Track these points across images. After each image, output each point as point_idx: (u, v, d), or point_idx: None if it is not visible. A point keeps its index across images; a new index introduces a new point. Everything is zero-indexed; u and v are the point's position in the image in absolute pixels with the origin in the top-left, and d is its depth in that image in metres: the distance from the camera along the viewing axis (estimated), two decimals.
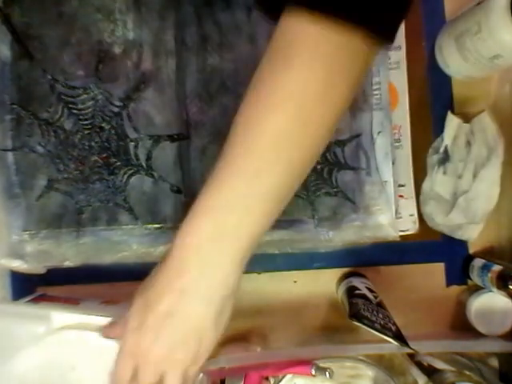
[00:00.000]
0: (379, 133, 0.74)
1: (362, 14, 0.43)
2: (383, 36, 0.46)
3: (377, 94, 0.74)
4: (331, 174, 0.73)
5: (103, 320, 0.60)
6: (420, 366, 0.77)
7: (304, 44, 0.44)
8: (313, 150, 0.49)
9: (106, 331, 0.58)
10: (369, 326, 0.65)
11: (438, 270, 0.82)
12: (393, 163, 0.74)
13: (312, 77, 0.45)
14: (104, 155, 0.70)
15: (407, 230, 0.78)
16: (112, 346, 0.54)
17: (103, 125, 0.70)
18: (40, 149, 0.70)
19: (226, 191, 0.48)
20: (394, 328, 0.66)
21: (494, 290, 0.74)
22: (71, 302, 0.67)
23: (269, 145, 0.46)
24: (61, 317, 0.61)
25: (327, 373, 0.70)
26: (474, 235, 0.79)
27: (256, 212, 0.48)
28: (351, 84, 0.47)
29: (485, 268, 0.76)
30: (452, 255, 0.82)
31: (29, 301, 0.68)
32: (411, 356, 0.78)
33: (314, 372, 0.70)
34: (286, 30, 0.46)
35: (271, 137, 0.46)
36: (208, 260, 0.48)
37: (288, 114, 0.45)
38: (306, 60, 0.44)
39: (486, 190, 0.76)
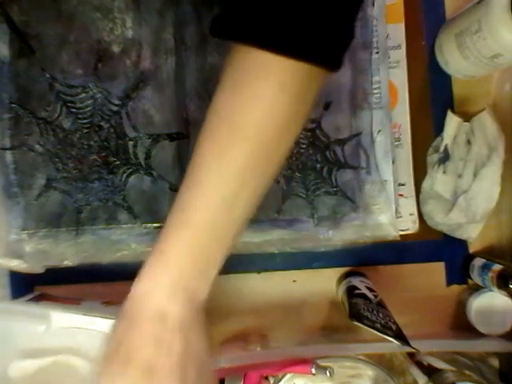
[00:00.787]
0: (379, 131, 0.74)
1: (306, 48, 0.44)
2: (329, 65, 0.46)
3: (377, 93, 0.73)
4: (331, 173, 0.73)
5: (104, 322, 0.60)
6: (420, 365, 0.77)
7: (260, 75, 0.44)
8: (272, 176, 0.49)
9: None
10: (369, 326, 0.65)
11: (438, 269, 0.81)
12: (393, 162, 0.74)
13: (275, 108, 0.45)
14: (103, 154, 0.70)
15: (407, 230, 0.78)
16: None
17: (102, 124, 0.70)
18: (39, 148, 0.70)
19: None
20: (394, 327, 0.66)
21: (495, 289, 0.74)
22: (72, 302, 0.67)
23: (232, 179, 0.46)
24: (61, 317, 0.61)
25: (328, 372, 0.69)
26: (474, 234, 0.79)
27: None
28: (308, 110, 0.48)
29: (485, 267, 0.76)
30: (452, 254, 0.82)
31: (29, 300, 0.68)
32: (411, 356, 0.78)
33: (314, 371, 0.69)
34: (241, 62, 0.45)
35: (236, 170, 0.46)
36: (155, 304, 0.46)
37: (251, 150, 0.46)
38: (265, 91, 0.45)
39: (486, 189, 0.76)
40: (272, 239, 0.71)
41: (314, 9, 0.43)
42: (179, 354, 0.44)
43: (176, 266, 0.46)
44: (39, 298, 0.69)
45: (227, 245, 0.48)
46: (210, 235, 0.47)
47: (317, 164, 0.72)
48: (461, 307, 0.81)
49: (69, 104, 0.70)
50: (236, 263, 0.78)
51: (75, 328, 0.61)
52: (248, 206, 0.48)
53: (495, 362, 0.79)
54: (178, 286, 0.46)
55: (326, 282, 0.81)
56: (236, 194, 0.46)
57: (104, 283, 0.76)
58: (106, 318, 0.61)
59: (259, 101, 0.44)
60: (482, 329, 0.78)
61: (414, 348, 0.64)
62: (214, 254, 0.48)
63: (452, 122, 0.78)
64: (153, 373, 0.43)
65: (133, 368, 0.43)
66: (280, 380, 0.73)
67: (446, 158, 0.78)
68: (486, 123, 0.77)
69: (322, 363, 0.71)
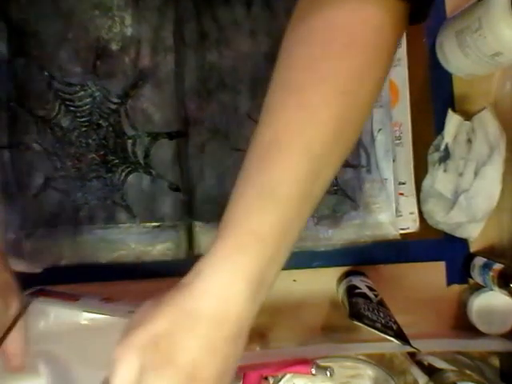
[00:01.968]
0: (380, 130, 0.74)
1: None
2: (419, 13, 0.45)
3: None
4: None
5: (103, 318, 0.59)
6: (420, 365, 0.76)
7: (346, 25, 0.42)
8: (357, 133, 0.46)
9: None
10: (370, 326, 0.65)
11: (438, 268, 0.81)
12: (393, 161, 0.74)
13: (356, 60, 0.42)
14: (101, 153, 0.70)
15: (407, 229, 0.78)
16: None
17: (101, 122, 0.70)
18: (37, 146, 0.69)
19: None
20: (395, 327, 0.65)
21: (495, 288, 0.74)
22: (70, 299, 0.66)
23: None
24: (59, 313, 0.60)
25: (328, 372, 0.69)
26: (474, 234, 0.79)
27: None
28: (385, 67, 0.45)
29: (486, 267, 0.75)
30: (453, 254, 0.81)
31: (27, 295, 0.66)
32: (412, 355, 0.78)
33: (314, 371, 0.69)
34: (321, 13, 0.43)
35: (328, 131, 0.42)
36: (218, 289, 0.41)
37: (347, 103, 0.42)
38: (348, 44, 0.42)
39: (487, 188, 0.76)
40: None
41: None
42: (221, 370, 0.41)
43: (261, 251, 0.41)
44: (38, 293, 0.67)
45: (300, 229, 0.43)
46: (296, 214, 0.42)
47: None
48: (461, 307, 0.81)
49: (67, 102, 0.69)
50: None
51: (74, 324, 0.60)
52: (331, 175, 0.44)
53: (496, 362, 0.79)
54: (255, 279, 0.41)
55: (326, 282, 0.80)
56: (324, 159, 0.42)
57: (102, 283, 0.75)
58: (105, 314, 0.60)
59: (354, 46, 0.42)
60: (482, 328, 0.78)
61: (414, 348, 0.64)
62: (293, 236, 0.43)
63: (453, 120, 0.77)
64: (192, 381, 0.40)
65: (173, 369, 0.40)
66: (280, 380, 0.73)
67: (446, 156, 0.77)
68: (487, 122, 0.76)
69: (322, 363, 0.70)
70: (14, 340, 0.54)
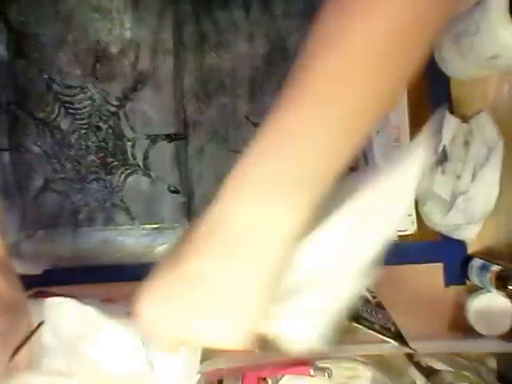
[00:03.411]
0: (378, 132, 0.74)
1: None
2: None
3: None
4: None
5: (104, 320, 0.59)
6: (418, 366, 0.76)
7: None
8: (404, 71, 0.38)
9: None
10: (368, 327, 0.65)
11: (436, 270, 0.81)
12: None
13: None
14: (101, 155, 0.70)
15: (405, 230, 0.78)
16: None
17: (100, 124, 0.70)
18: (36, 148, 0.70)
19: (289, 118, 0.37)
20: (393, 328, 0.66)
21: (493, 290, 0.74)
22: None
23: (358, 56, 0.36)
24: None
25: (326, 373, 0.69)
26: (472, 235, 0.78)
27: (325, 142, 0.37)
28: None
29: (484, 268, 0.75)
30: (451, 255, 0.81)
31: (27, 297, 0.66)
32: (410, 357, 0.77)
33: (312, 372, 0.69)
34: None
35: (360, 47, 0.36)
36: (261, 207, 0.38)
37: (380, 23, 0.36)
38: None
39: (484, 190, 0.75)
40: None
41: None
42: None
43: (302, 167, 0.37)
44: (37, 295, 0.67)
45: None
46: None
47: None
48: (459, 308, 0.80)
49: (67, 105, 0.70)
50: None
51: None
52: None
53: (493, 363, 0.79)
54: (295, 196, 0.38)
55: None
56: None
57: (101, 285, 0.74)
58: (106, 315, 0.59)
59: None
60: (480, 329, 0.78)
61: (412, 349, 0.65)
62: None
63: (450, 122, 0.77)
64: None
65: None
66: (278, 381, 0.73)
67: (444, 158, 0.77)
68: (485, 124, 0.76)
69: (321, 364, 0.70)
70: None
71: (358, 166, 0.73)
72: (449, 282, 0.81)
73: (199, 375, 0.60)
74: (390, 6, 0.35)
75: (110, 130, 0.70)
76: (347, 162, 0.38)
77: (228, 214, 0.38)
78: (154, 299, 0.41)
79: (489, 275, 0.74)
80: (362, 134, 0.38)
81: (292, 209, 0.37)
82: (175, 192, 0.71)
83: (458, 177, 0.77)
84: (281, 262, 0.39)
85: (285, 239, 0.38)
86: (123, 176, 0.71)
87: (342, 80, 0.36)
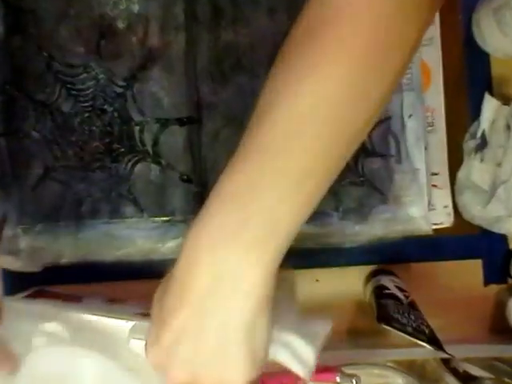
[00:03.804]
0: (410, 116, 0.72)
1: None
2: None
3: (408, 73, 0.71)
4: (357, 162, 0.70)
5: (110, 322, 0.57)
6: (455, 373, 0.75)
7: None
8: (359, 124, 0.42)
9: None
10: (399, 330, 0.63)
11: (475, 267, 0.79)
12: (425, 149, 0.72)
13: (365, 40, 0.39)
14: (106, 141, 0.69)
15: (441, 223, 0.75)
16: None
17: (105, 107, 0.69)
18: (35, 134, 0.68)
19: (249, 171, 0.40)
20: (427, 331, 0.64)
21: None
22: (72, 300, 0.65)
23: (308, 110, 0.39)
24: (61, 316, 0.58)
25: (354, 380, 0.67)
26: None
27: (293, 197, 0.40)
28: (412, 49, 0.42)
29: None
30: (490, 251, 0.79)
31: (25, 296, 0.66)
32: (445, 362, 0.76)
33: (338, 380, 0.67)
34: None
35: (310, 101, 0.39)
36: (226, 259, 0.40)
37: (334, 77, 0.40)
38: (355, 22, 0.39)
39: None
40: None
41: None
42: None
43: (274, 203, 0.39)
44: (38, 295, 0.68)
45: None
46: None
47: None
48: (500, 308, 0.79)
49: (68, 85, 0.68)
50: None
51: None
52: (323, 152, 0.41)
53: None
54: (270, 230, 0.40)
55: (351, 282, 0.79)
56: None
57: (106, 283, 0.75)
58: (113, 317, 0.57)
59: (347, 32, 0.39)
60: None
61: (448, 353, 0.63)
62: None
63: (490, 105, 0.75)
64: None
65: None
66: None
67: (483, 144, 0.76)
68: None
69: (348, 371, 0.68)
70: None
71: (389, 152, 0.71)
72: (488, 280, 0.80)
73: None
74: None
75: (116, 114, 0.68)
76: (310, 209, 0.41)
77: (195, 266, 0.41)
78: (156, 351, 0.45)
79: None
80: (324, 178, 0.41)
81: (255, 260, 0.39)
82: (187, 181, 0.69)
83: (499, 164, 0.75)
84: (253, 314, 0.41)
85: (253, 292, 0.40)
86: (130, 164, 0.69)
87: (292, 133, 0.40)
